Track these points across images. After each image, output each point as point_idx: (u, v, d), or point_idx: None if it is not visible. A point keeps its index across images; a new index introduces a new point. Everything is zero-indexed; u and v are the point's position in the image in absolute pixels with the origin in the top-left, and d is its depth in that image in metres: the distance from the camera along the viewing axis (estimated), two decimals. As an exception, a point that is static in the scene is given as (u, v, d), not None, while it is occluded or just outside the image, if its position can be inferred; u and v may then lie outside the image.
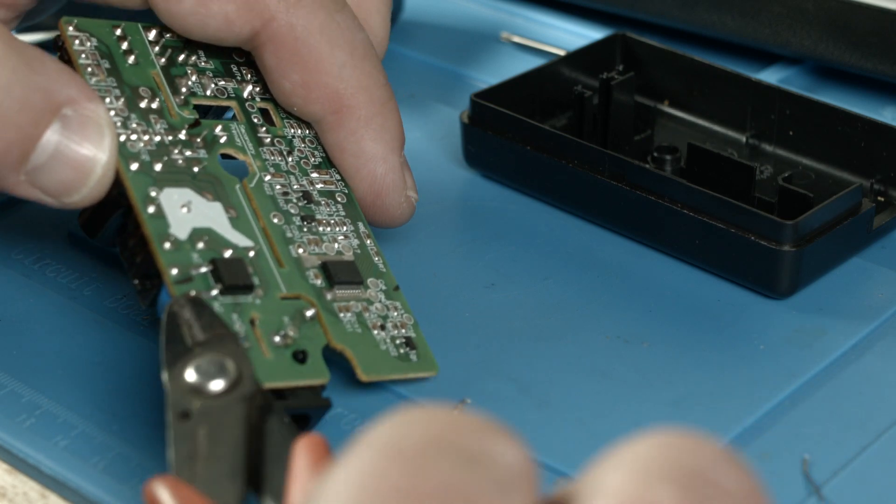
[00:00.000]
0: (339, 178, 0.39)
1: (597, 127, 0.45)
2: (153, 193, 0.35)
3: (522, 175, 0.44)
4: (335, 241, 0.37)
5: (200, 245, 0.35)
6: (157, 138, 0.36)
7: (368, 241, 0.38)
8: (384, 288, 0.37)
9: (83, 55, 0.37)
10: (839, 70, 0.50)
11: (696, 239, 0.40)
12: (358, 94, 0.38)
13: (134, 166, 0.35)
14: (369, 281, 0.37)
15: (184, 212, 0.35)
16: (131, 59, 0.37)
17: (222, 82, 0.39)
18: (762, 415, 0.36)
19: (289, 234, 0.36)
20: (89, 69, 0.36)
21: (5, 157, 0.34)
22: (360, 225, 0.38)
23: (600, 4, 0.54)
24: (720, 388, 0.37)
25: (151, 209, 0.35)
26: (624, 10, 0.53)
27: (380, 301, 0.37)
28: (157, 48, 0.38)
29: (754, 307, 0.40)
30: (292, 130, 0.39)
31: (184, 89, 0.38)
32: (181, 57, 0.38)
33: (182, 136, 0.37)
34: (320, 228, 0.37)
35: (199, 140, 0.37)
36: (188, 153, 0.36)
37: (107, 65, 0.37)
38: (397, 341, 0.36)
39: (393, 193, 0.39)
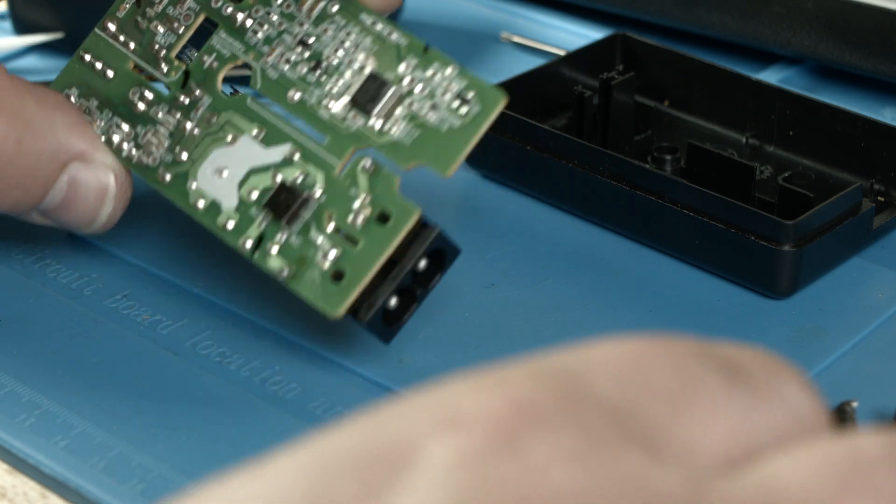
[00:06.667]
0: None
1: (597, 127, 0.45)
2: (193, 186, 0.36)
3: (522, 175, 0.44)
4: (352, 63, 0.36)
5: (253, 196, 0.35)
6: (169, 128, 0.37)
7: (379, 26, 0.36)
8: (415, 61, 0.35)
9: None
10: (839, 70, 0.50)
11: (696, 239, 0.40)
12: None
13: (168, 176, 0.36)
14: (399, 68, 0.35)
15: (223, 178, 0.36)
16: (109, 73, 0.38)
17: (186, 4, 0.38)
18: (762, 415, 0.36)
19: (312, 101, 0.36)
20: (88, 121, 0.38)
21: (14, 210, 0.37)
22: (364, 16, 0.36)
23: (600, 4, 0.54)
24: (720, 388, 0.37)
25: (201, 203, 0.36)
26: (624, 10, 0.53)
27: (418, 80, 0.35)
28: (121, 36, 0.38)
29: (754, 307, 0.40)
30: None
31: (161, 51, 0.38)
32: (142, 22, 0.38)
33: (185, 101, 0.37)
34: (334, 61, 0.36)
35: (196, 91, 0.37)
36: (197, 114, 0.37)
37: (96, 103, 0.38)
38: (453, 105, 0.35)
39: None
